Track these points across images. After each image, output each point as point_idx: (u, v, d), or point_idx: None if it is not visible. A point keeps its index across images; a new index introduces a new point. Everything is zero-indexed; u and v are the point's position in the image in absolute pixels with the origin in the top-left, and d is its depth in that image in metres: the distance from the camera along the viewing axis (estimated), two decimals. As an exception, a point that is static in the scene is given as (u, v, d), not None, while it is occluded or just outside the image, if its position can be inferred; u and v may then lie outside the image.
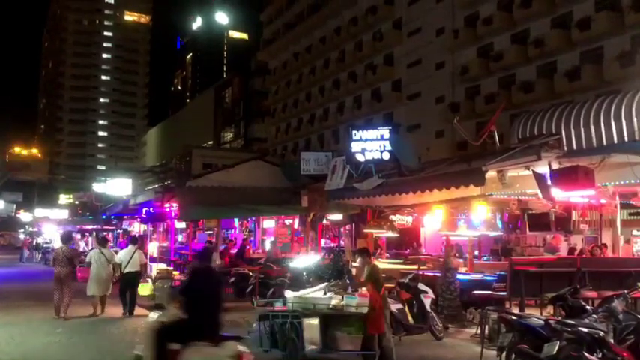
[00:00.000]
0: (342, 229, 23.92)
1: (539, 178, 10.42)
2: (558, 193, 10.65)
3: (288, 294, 10.16)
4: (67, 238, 15.49)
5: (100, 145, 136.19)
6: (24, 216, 69.65)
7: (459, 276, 14.08)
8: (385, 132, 15.24)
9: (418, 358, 10.43)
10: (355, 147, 15.28)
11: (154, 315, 6.99)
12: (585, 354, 7.05)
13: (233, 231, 28.39)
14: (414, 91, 43.89)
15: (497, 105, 28.86)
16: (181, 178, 29.11)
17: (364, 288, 9.59)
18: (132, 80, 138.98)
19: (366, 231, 17.59)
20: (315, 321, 9.24)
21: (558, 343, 7.15)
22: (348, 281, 10.83)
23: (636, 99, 10.74)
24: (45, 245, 39.43)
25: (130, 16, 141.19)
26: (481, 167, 10.59)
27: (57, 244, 38.17)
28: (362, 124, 35.17)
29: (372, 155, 15.03)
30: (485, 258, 18.37)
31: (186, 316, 6.50)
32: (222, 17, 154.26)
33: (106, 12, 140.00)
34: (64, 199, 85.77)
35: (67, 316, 13.89)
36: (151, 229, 25.39)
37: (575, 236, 17.13)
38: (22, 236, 56.12)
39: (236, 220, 27.08)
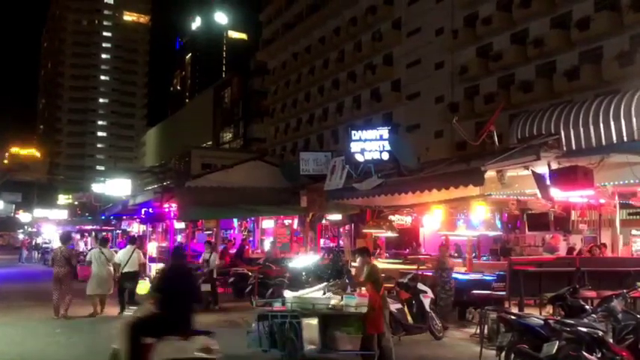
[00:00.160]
0: (341, 229, 23.91)
1: (539, 178, 10.42)
2: (557, 193, 10.64)
3: (288, 294, 10.16)
4: (65, 239, 15.50)
5: (99, 146, 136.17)
6: (23, 216, 69.60)
7: (459, 276, 14.08)
8: (384, 132, 15.24)
9: (417, 358, 10.43)
10: (354, 147, 15.28)
11: (129, 311, 7.08)
12: (584, 354, 7.05)
13: (232, 231, 28.38)
14: (413, 91, 43.88)
15: (497, 105, 28.84)
16: (180, 178, 29.09)
17: (363, 288, 9.59)
18: (131, 80, 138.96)
19: (365, 231, 17.59)
20: (314, 321, 9.24)
21: (557, 342, 7.15)
22: (347, 281, 10.83)
23: (635, 99, 10.74)
24: (44, 245, 39.40)
25: (129, 17, 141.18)
26: (480, 167, 10.59)
27: (56, 244, 38.23)
28: (361, 124, 35.14)
29: (372, 155, 15.03)
30: (484, 258, 18.36)
31: (160, 312, 6.77)
32: (221, 17, 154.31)
33: (105, 12, 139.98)
34: (63, 199, 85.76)
35: (68, 316, 13.89)
36: (150, 229, 25.39)
37: (575, 236, 17.11)
38: (21, 236, 56.09)
39: (235, 221, 27.08)
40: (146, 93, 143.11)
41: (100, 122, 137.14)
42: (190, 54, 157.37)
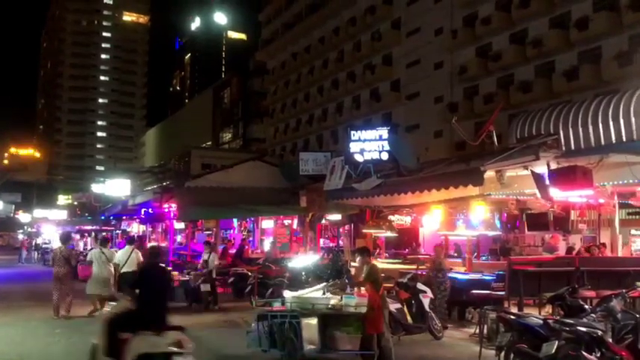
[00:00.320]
0: (340, 229, 23.93)
1: (538, 178, 10.43)
2: (557, 193, 10.65)
3: (287, 294, 10.17)
4: (65, 239, 15.51)
5: (98, 146, 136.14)
6: (23, 216, 69.56)
7: (458, 276, 14.10)
8: (384, 132, 15.26)
9: (417, 357, 10.44)
10: (354, 147, 15.29)
11: (108, 307, 7.67)
12: (584, 353, 7.06)
13: (232, 231, 28.41)
14: (412, 91, 43.88)
15: (496, 105, 28.87)
16: (180, 178, 29.12)
17: (363, 288, 9.60)
18: (130, 81, 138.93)
19: (364, 231, 17.60)
20: (314, 321, 9.25)
21: (557, 342, 7.16)
22: (346, 281, 10.84)
23: (634, 99, 10.76)
24: (44, 246, 39.39)
25: (128, 17, 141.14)
26: (479, 167, 10.60)
27: (56, 244, 38.25)
28: (360, 125, 35.17)
29: (371, 155, 15.04)
30: (483, 258, 18.37)
31: (136, 308, 7.14)
32: (220, 17, 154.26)
33: (105, 12, 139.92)
34: (62, 199, 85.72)
35: (69, 315, 13.91)
36: (150, 229, 25.41)
37: (574, 236, 17.13)
38: (20, 237, 56.07)
39: (235, 221, 27.11)
40: (145, 93, 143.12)
41: (99, 122, 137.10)
42: (190, 54, 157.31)
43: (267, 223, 25.62)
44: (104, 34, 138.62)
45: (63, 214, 54.83)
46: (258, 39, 76.27)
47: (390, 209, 16.49)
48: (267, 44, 69.24)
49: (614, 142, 10.73)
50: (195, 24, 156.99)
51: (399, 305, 11.30)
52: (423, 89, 42.57)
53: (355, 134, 15.41)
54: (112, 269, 15.06)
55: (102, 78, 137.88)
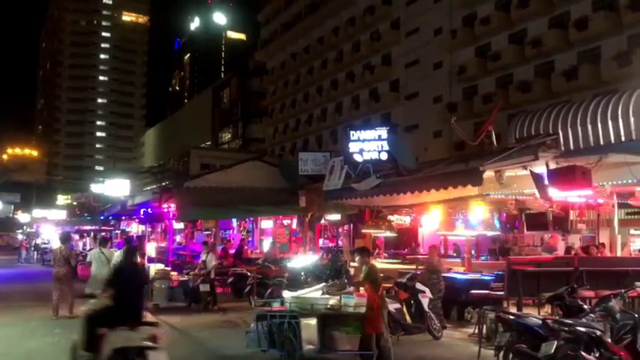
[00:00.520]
0: (340, 229, 23.93)
1: (537, 178, 10.43)
2: (556, 193, 10.66)
3: (286, 294, 10.18)
4: (65, 239, 15.51)
5: (97, 146, 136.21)
6: (22, 217, 69.51)
7: (457, 276, 14.10)
8: (383, 132, 15.27)
9: (416, 358, 10.44)
10: (353, 147, 15.30)
11: (87, 304, 7.99)
12: (583, 353, 7.06)
13: (231, 231, 28.40)
14: (411, 91, 43.89)
15: (495, 105, 28.87)
16: (179, 178, 29.13)
17: (362, 288, 9.60)
18: (130, 81, 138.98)
19: (364, 231, 17.61)
20: (313, 321, 9.25)
21: (556, 342, 7.15)
22: (345, 281, 10.84)
23: (633, 99, 10.75)
24: (43, 246, 39.36)
25: (127, 17, 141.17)
26: (479, 167, 10.60)
27: (55, 244, 38.23)
28: (360, 125, 35.18)
29: (370, 155, 15.05)
30: (483, 258, 18.37)
31: (113, 305, 7.39)
32: (219, 17, 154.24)
33: (104, 12, 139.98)
34: (61, 199, 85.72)
35: (72, 315, 13.93)
36: (149, 229, 25.40)
37: (573, 236, 17.13)
38: (20, 237, 56.04)
39: (234, 221, 27.11)
40: (145, 93, 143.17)
41: (98, 122, 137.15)
42: (189, 54, 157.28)
43: (267, 223, 25.62)
44: (103, 34, 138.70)
45: (62, 214, 54.82)
46: (257, 39, 76.30)
47: (390, 209, 16.50)
48: (267, 44, 69.25)
49: (613, 142, 10.72)
50: (195, 24, 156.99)
51: (398, 305, 11.30)
52: (422, 89, 42.58)
53: (354, 134, 15.42)
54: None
55: (101, 78, 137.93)
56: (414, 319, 11.53)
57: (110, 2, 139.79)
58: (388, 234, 17.88)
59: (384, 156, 14.96)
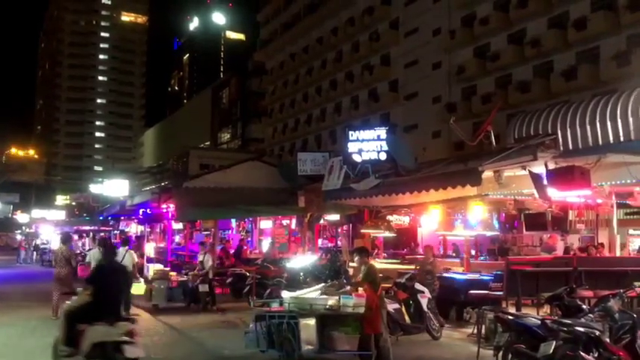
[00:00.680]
0: (339, 230, 23.93)
1: (536, 178, 10.43)
2: (555, 193, 10.65)
3: (285, 294, 10.18)
4: (65, 239, 15.52)
5: (96, 146, 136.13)
6: (21, 217, 69.47)
7: (456, 276, 14.11)
8: (382, 132, 15.27)
9: (415, 358, 10.44)
10: (352, 147, 15.30)
11: (69, 301, 8.31)
12: (581, 353, 7.07)
13: (230, 231, 28.39)
14: (410, 92, 43.91)
15: (494, 105, 28.86)
16: (178, 178, 29.12)
17: (361, 288, 9.60)
18: (129, 81, 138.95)
19: (363, 231, 17.60)
20: (312, 321, 9.25)
21: (555, 342, 7.16)
22: (345, 281, 10.84)
23: (632, 99, 10.76)
24: (42, 246, 39.34)
25: (126, 17, 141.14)
26: (477, 167, 10.59)
27: (54, 245, 38.23)
28: (359, 125, 35.15)
29: (369, 155, 15.05)
30: (482, 258, 18.39)
31: (92, 302, 7.71)
32: (219, 17, 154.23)
33: (103, 13, 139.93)
34: (60, 199, 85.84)
35: None
36: (148, 229, 25.38)
37: (572, 236, 17.15)
38: (18, 237, 56.02)
39: (233, 221, 27.10)
40: (144, 93, 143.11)
41: (97, 123, 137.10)
42: (188, 54, 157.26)
43: (266, 224, 25.62)
44: (102, 34, 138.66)
45: (61, 215, 54.83)
46: (256, 39, 76.26)
47: (389, 209, 16.49)
48: (266, 44, 69.24)
49: (611, 142, 10.73)
50: (194, 24, 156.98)
51: (397, 305, 11.31)
52: (421, 89, 42.59)
53: (353, 134, 15.42)
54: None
55: (100, 78, 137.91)
56: (413, 319, 11.53)
57: (109, 2, 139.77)
58: (387, 234, 17.87)
59: (383, 156, 14.96)
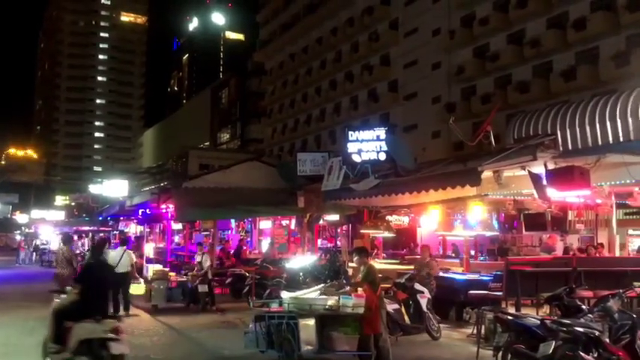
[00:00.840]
0: (338, 230, 23.92)
1: (535, 178, 10.43)
2: (554, 193, 10.66)
3: (285, 295, 10.17)
4: (66, 240, 15.54)
5: (96, 146, 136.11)
6: (20, 217, 69.50)
7: (456, 276, 14.11)
8: (381, 132, 15.29)
9: (415, 358, 10.44)
10: (351, 147, 15.31)
11: (57, 299, 8.57)
12: (581, 354, 7.07)
13: (230, 232, 28.39)
14: (410, 92, 43.91)
15: (494, 105, 28.87)
16: (178, 178, 29.13)
17: (360, 288, 9.60)
18: (128, 81, 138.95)
19: (362, 231, 17.60)
20: (312, 322, 9.25)
21: (554, 342, 7.16)
22: (344, 282, 10.84)
23: (632, 99, 10.76)
24: (41, 247, 39.31)
25: (126, 17, 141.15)
26: (477, 167, 10.59)
27: (53, 245, 38.21)
28: (358, 125, 35.15)
29: (369, 156, 15.06)
30: (481, 258, 18.39)
31: (80, 300, 7.93)
32: (218, 18, 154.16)
33: (102, 13, 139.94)
34: (60, 200, 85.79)
35: None
36: (148, 230, 25.37)
37: (572, 236, 17.15)
38: (18, 238, 56.02)
39: (233, 221, 27.09)
40: (143, 94, 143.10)
41: (97, 123, 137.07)
42: (187, 55, 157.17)
43: (265, 224, 25.61)
44: (102, 34, 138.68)
45: (60, 215, 54.84)
46: (256, 39, 76.24)
47: (388, 209, 16.49)
48: (265, 45, 69.23)
49: (611, 142, 10.73)
50: (193, 24, 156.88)
51: (396, 306, 11.31)
52: (420, 89, 42.59)
53: (353, 134, 15.43)
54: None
55: (99, 78, 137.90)
56: (413, 319, 11.54)
57: (109, 3, 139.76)
58: (386, 234, 17.86)
59: (382, 156, 14.97)
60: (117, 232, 32.64)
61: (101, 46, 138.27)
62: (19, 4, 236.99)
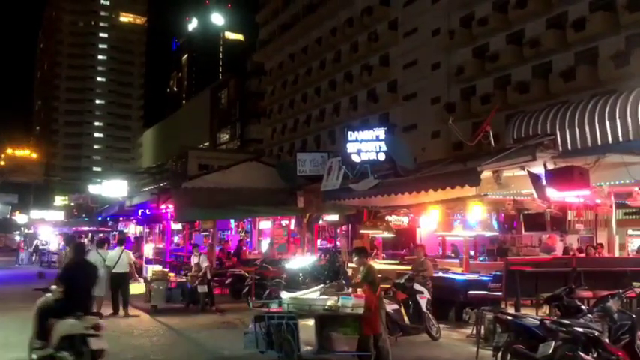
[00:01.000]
0: (338, 230, 23.93)
1: (535, 179, 10.44)
2: (553, 194, 10.67)
3: (284, 295, 10.17)
4: (71, 240, 15.52)
5: (95, 147, 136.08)
6: (19, 218, 69.47)
7: (455, 276, 14.11)
8: (381, 133, 15.31)
9: (414, 358, 10.44)
10: (351, 148, 15.32)
11: (42, 298, 8.69)
12: (580, 354, 7.08)
13: (229, 232, 28.39)
14: (409, 92, 43.89)
15: (493, 105, 28.86)
16: (177, 179, 29.13)
17: (360, 289, 9.60)
18: (127, 81, 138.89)
19: (362, 231, 17.60)
20: (311, 322, 9.25)
21: (553, 343, 7.17)
22: (344, 282, 10.84)
23: (631, 99, 10.78)
24: (41, 247, 39.30)
25: (125, 18, 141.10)
26: (476, 167, 10.60)
27: (53, 245, 38.20)
28: (358, 125, 35.14)
29: (368, 156, 15.08)
30: (481, 258, 18.39)
31: (62, 298, 8.23)
32: (217, 18, 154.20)
33: (102, 13, 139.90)
34: (59, 200, 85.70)
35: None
36: (147, 230, 25.37)
37: (571, 236, 17.15)
38: (17, 238, 56.03)
39: (232, 221, 27.08)
40: (143, 94, 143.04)
41: (96, 123, 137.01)
42: (187, 55, 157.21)
43: (265, 224, 25.61)
44: (101, 35, 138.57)
45: (60, 216, 54.79)
46: (255, 40, 76.20)
47: (388, 210, 16.49)
48: (265, 45, 69.20)
49: (610, 142, 10.76)
50: (193, 25, 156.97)
51: (396, 306, 11.31)
52: (420, 90, 42.58)
53: (352, 135, 15.44)
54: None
55: (99, 79, 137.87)
56: (412, 319, 11.53)
57: (108, 3, 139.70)
58: (386, 235, 17.86)
59: (382, 156, 14.99)
60: (116, 233, 32.70)
61: (100, 46, 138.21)
62: (18, 4, 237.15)
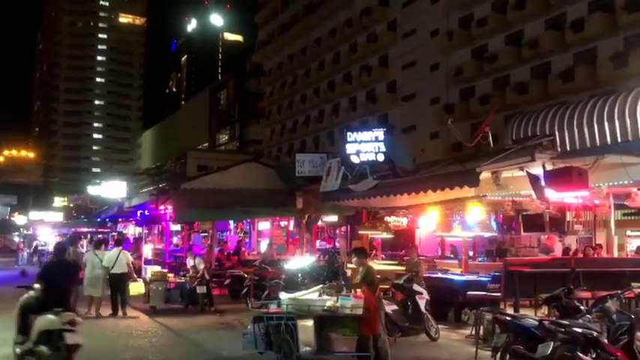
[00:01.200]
0: (337, 231, 23.92)
1: (534, 179, 10.44)
2: (552, 194, 10.67)
3: (283, 296, 10.16)
4: (72, 241, 15.55)
5: (94, 148, 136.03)
6: (18, 219, 69.43)
7: (454, 277, 14.10)
8: (380, 133, 15.31)
9: (413, 359, 10.44)
10: (350, 148, 15.32)
11: (24, 295, 9.07)
12: (579, 354, 7.08)
13: (228, 233, 28.36)
14: (408, 93, 43.89)
15: (492, 106, 28.86)
16: (176, 180, 29.10)
17: (359, 290, 9.60)
18: (127, 82, 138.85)
19: (361, 232, 17.59)
20: (310, 323, 9.24)
21: (552, 343, 7.17)
22: (343, 283, 10.83)
23: (629, 100, 10.78)
24: (40, 248, 39.26)
25: (124, 19, 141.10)
26: (475, 168, 10.61)
27: (52, 246, 38.01)
28: (357, 126, 35.13)
29: (367, 157, 15.08)
30: (480, 259, 18.37)
31: (43, 295, 8.57)
32: (216, 19, 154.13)
33: (101, 14, 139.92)
34: (58, 201, 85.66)
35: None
36: (146, 231, 25.33)
37: (570, 237, 17.16)
38: (16, 239, 55.99)
39: (231, 222, 27.05)
40: (142, 95, 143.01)
41: (95, 124, 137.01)
42: (186, 56, 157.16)
43: (264, 225, 25.58)
44: (100, 35, 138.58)
45: (59, 216, 54.79)
46: (254, 41, 76.20)
47: (387, 210, 16.49)
48: (264, 46, 69.19)
49: (609, 143, 10.76)
50: (192, 25, 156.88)
51: (395, 306, 11.31)
52: (419, 90, 42.57)
53: (351, 135, 15.45)
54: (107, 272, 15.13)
55: (98, 80, 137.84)
56: (411, 320, 11.53)
57: (107, 4, 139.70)
58: (385, 235, 17.85)
59: (380, 157, 15.00)
60: (115, 234, 32.67)
61: (100, 47, 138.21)
62: (17, 4, 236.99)
